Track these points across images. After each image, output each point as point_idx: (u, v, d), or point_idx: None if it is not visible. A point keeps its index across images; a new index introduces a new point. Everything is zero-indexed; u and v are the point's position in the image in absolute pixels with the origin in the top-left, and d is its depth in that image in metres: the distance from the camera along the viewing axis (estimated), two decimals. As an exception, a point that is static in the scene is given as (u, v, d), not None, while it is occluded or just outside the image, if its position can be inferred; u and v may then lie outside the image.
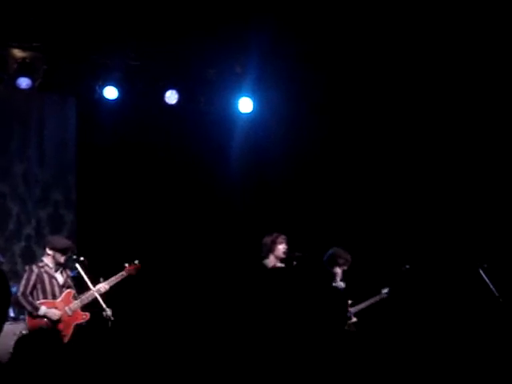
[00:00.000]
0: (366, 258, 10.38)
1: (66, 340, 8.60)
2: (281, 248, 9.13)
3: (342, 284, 9.44)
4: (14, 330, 8.33)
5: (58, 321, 8.65)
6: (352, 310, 9.44)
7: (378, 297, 9.68)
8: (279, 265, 9.22)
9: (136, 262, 9.07)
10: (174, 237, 11.07)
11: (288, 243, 9.20)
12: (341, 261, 9.44)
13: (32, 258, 10.03)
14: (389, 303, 9.74)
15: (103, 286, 8.78)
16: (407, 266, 9.67)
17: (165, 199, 11.19)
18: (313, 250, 9.74)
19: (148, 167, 11.15)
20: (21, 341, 5.59)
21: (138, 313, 10.07)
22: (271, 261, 9.19)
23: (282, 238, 9.22)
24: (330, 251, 9.49)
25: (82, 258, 8.81)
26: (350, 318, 9.38)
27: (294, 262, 9.11)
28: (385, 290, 9.68)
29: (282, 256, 9.17)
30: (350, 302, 9.41)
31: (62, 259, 8.80)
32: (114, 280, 8.87)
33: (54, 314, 8.63)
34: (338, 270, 9.45)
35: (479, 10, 9.22)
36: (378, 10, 9.52)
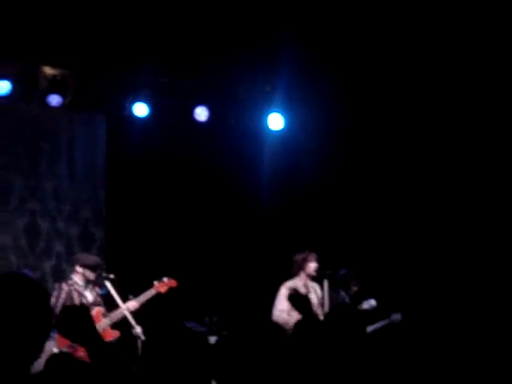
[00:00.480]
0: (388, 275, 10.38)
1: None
2: (312, 266, 9.15)
3: (371, 302, 9.40)
4: (45, 348, 8.30)
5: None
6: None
7: (387, 320, 9.60)
8: (309, 283, 9.21)
9: (165, 279, 9.00)
10: (203, 253, 11.03)
11: (319, 261, 9.20)
12: (353, 282, 9.48)
13: (62, 275, 10.00)
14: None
15: (132, 304, 8.72)
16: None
17: (195, 216, 11.16)
18: (342, 267, 9.72)
19: (178, 184, 11.13)
20: (51, 360, 5.53)
21: (168, 331, 9.99)
22: (301, 278, 9.19)
23: (312, 255, 9.22)
24: (341, 272, 9.51)
25: (111, 276, 8.78)
26: None
27: (325, 280, 9.10)
28: (396, 316, 9.59)
29: (313, 274, 9.19)
30: None
31: (91, 276, 8.77)
32: (143, 298, 8.82)
33: None
34: (352, 291, 9.49)
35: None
36: (406, 29, 9.50)
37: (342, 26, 9.63)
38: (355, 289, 9.55)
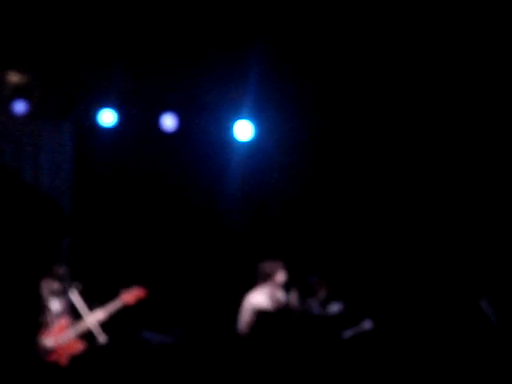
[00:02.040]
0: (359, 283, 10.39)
1: (61, 371, 8.43)
2: (281, 275, 9.11)
3: (338, 305, 9.36)
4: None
5: (52, 351, 8.45)
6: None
7: (358, 328, 9.53)
8: (278, 293, 9.15)
9: (133, 289, 8.84)
10: (170, 264, 10.93)
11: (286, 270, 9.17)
12: (320, 288, 9.42)
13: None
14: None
15: (99, 315, 8.58)
16: None
17: (161, 225, 11.05)
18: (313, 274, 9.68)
19: (145, 193, 11.02)
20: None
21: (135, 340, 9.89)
22: (268, 288, 9.12)
23: (280, 264, 9.17)
24: (309, 279, 9.46)
25: (77, 284, 8.67)
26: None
27: (292, 289, 9.08)
28: (367, 323, 9.54)
29: (282, 283, 9.14)
30: None
31: (54, 286, 8.63)
32: (110, 308, 8.66)
33: (47, 343, 8.43)
34: (320, 297, 9.42)
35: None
36: (378, 32, 9.49)
37: (312, 33, 9.60)
38: (323, 295, 9.47)
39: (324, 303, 9.44)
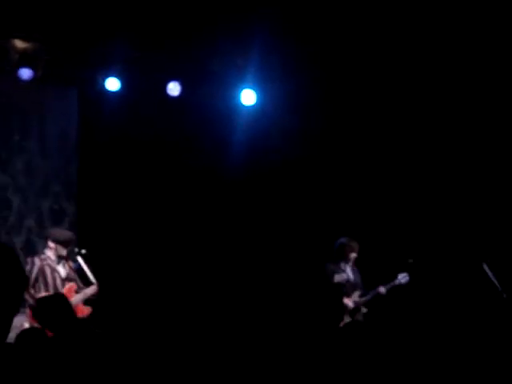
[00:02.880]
0: (369, 252, 10.39)
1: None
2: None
3: (345, 275, 9.43)
4: (15, 323, 8.26)
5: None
6: (360, 300, 9.40)
7: (388, 285, 9.56)
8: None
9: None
10: (175, 229, 11.01)
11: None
12: (349, 249, 9.46)
13: (34, 250, 9.94)
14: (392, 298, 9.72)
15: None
16: (411, 261, 9.60)
17: (166, 191, 11.12)
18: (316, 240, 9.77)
19: (150, 159, 11.08)
20: (22, 335, 5.53)
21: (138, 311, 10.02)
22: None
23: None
24: (339, 241, 9.52)
25: (83, 251, 8.77)
26: (359, 310, 9.36)
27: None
28: (402, 276, 9.59)
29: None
30: (359, 293, 9.40)
31: (63, 252, 8.74)
32: None
33: None
34: (350, 258, 9.47)
35: (479, 10, 9.17)
36: (382, 8, 9.49)
37: (316, 1, 9.60)
38: (354, 256, 9.49)
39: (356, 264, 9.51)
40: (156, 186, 11.06)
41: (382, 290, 9.42)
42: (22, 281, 3.00)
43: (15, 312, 3.00)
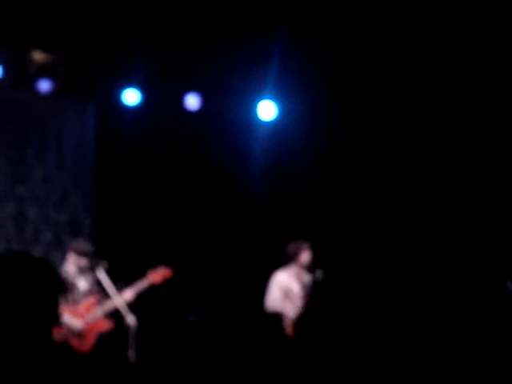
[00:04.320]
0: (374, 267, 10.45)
1: (86, 349, 8.49)
2: (305, 257, 9.16)
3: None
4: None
5: (79, 331, 8.51)
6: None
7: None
8: (301, 273, 9.20)
9: (160, 268, 8.88)
10: (193, 243, 10.99)
11: (312, 251, 9.21)
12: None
13: (51, 263, 9.88)
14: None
15: (128, 295, 8.61)
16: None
17: (184, 205, 11.10)
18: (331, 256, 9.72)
19: (168, 172, 11.06)
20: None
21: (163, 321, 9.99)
22: (294, 268, 9.18)
23: (306, 245, 9.21)
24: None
25: (103, 263, 8.70)
26: None
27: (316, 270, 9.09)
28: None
29: (306, 265, 9.18)
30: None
31: (84, 263, 8.69)
32: (138, 288, 8.70)
33: (74, 323, 8.48)
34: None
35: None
36: (404, 26, 9.50)
37: (334, 15, 9.59)
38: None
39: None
40: (173, 199, 11.04)
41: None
42: (60, 292, 3.04)
43: (55, 321, 3.02)
